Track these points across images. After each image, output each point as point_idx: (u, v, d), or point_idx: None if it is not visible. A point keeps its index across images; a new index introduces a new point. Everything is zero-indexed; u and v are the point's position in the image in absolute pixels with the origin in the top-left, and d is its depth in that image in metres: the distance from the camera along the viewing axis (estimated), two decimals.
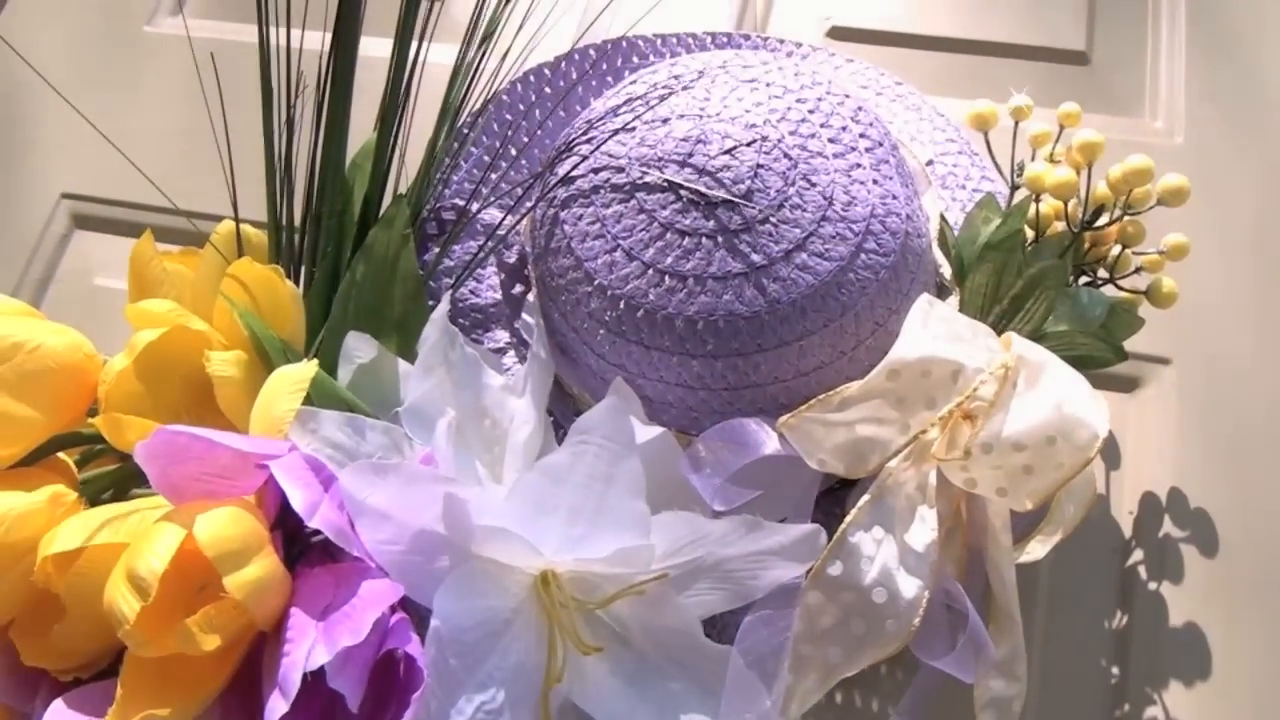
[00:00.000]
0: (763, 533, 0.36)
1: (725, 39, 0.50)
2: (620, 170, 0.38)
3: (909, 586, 0.33)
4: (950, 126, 0.48)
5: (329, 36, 0.43)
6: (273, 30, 0.43)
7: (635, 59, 0.49)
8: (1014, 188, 0.42)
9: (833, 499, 0.40)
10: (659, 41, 0.50)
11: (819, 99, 0.39)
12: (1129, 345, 0.42)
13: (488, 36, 0.44)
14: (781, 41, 0.50)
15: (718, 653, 0.36)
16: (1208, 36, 0.56)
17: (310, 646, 0.30)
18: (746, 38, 0.50)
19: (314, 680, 0.31)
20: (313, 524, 0.32)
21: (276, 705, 0.30)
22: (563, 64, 0.49)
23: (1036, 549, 0.38)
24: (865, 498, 0.36)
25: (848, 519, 0.36)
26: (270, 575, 0.31)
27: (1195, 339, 0.48)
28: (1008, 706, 0.34)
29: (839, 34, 0.57)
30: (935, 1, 0.58)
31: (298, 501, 0.31)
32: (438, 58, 0.46)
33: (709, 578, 0.37)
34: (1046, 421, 0.33)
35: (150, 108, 0.65)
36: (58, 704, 0.35)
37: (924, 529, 0.34)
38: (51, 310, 0.55)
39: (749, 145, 0.37)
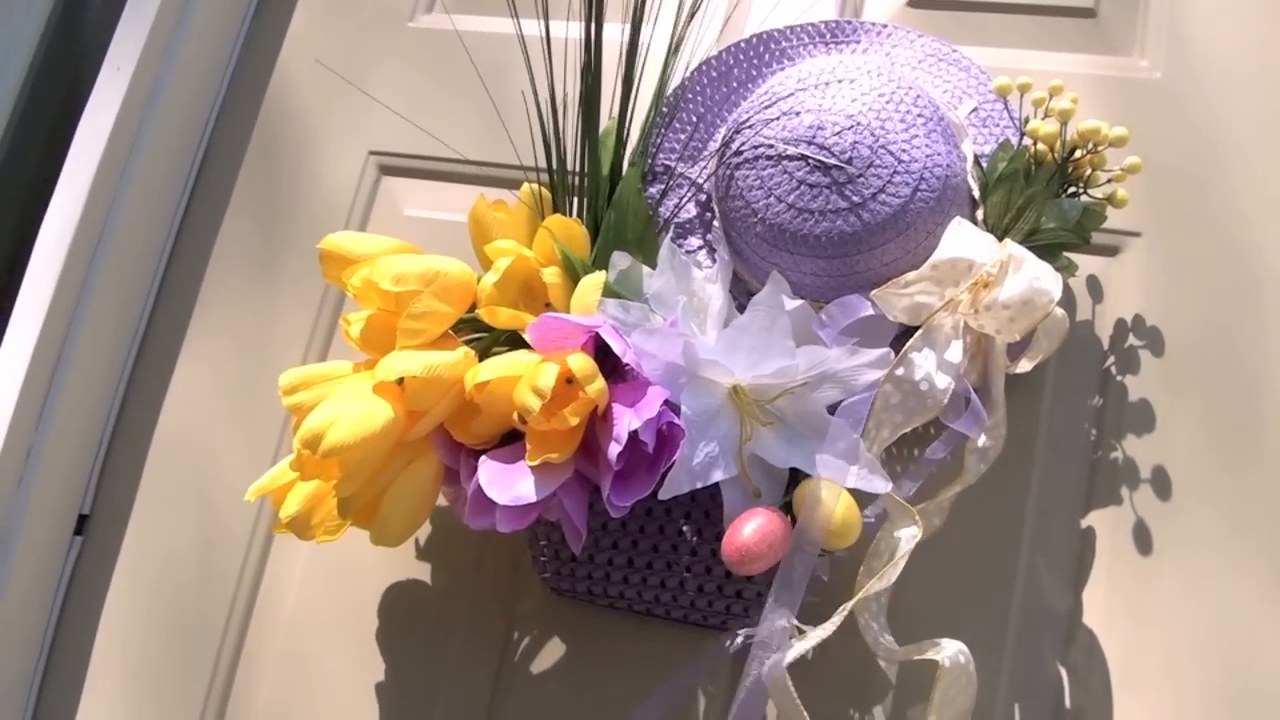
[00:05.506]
0: (860, 355, 0.62)
1: (834, 24, 0.73)
2: (771, 146, 0.64)
3: (942, 380, 0.60)
4: (989, 80, 0.70)
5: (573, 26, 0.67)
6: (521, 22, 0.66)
7: (773, 45, 0.73)
8: (1021, 134, 0.65)
9: (897, 344, 0.66)
10: (789, 31, 0.73)
11: (892, 92, 0.63)
12: (1115, 224, 0.65)
13: (678, 45, 0.69)
14: (874, 24, 0.72)
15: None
16: None
17: (630, 419, 0.60)
18: (849, 23, 0.73)
19: (628, 439, 0.61)
20: (626, 359, 0.61)
21: (614, 448, 0.60)
22: (724, 54, 0.73)
23: (1025, 365, 0.64)
24: (919, 332, 0.62)
25: (908, 344, 0.62)
26: (604, 385, 0.61)
27: (1162, 218, 0.71)
28: (986, 454, 0.61)
29: (917, 3, 0.78)
30: None
31: (618, 349, 0.60)
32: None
33: (830, 382, 0.63)
34: (1023, 291, 0.58)
35: (419, 84, 0.88)
36: (485, 458, 0.65)
37: (954, 350, 0.61)
38: None
39: (849, 129, 0.62)
